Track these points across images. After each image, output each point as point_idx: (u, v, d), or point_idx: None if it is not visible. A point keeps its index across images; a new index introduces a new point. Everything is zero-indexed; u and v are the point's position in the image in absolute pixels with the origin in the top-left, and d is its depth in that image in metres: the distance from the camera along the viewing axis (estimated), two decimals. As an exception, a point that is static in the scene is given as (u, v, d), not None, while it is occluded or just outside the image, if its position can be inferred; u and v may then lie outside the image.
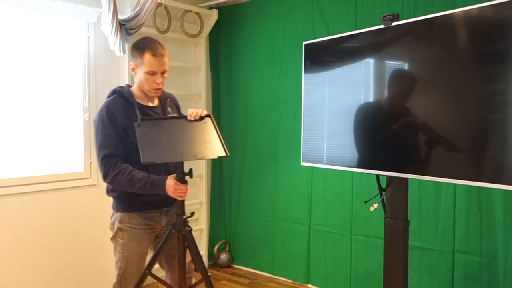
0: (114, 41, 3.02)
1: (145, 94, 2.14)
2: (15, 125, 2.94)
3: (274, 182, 3.78)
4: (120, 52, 3.06)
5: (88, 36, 3.28)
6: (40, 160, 3.05)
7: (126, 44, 3.13)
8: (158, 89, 2.10)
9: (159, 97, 2.21)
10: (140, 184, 1.99)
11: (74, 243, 3.20)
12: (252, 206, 3.95)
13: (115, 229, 2.15)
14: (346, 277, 3.33)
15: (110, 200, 3.40)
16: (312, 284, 3.56)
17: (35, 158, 3.03)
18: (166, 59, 2.07)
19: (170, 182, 1.98)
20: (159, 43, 2.09)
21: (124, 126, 2.05)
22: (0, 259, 2.83)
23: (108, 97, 2.15)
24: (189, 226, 2.02)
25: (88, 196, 3.28)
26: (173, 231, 2.01)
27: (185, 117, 2.07)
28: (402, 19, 2.09)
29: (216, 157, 1.90)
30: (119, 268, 2.14)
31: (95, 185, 3.32)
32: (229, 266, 4.08)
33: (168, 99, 2.24)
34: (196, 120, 2.04)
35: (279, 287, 3.63)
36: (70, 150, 3.23)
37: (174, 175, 1.98)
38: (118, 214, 2.14)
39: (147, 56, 2.03)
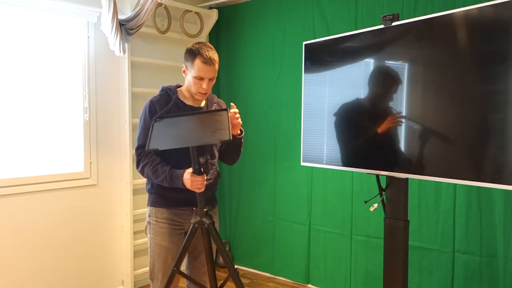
0: (114, 41, 3.02)
1: (192, 95, 2.20)
2: (15, 125, 2.93)
3: (274, 182, 3.78)
4: (120, 52, 3.06)
5: (88, 36, 3.28)
6: (40, 160, 3.05)
7: (126, 44, 3.14)
8: (204, 93, 2.16)
9: (206, 100, 2.26)
10: (162, 177, 2.07)
11: (74, 243, 3.20)
12: (252, 206, 3.95)
13: (146, 223, 2.25)
14: (346, 277, 3.33)
15: (109, 200, 3.42)
16: (312, 284, 3.56)
17: (35, 158, 3.03)
18: (216, 66, 2.13)
19: (187, 175, 2.01)
20: (212, 49, 2.13)
21: None
22: (0, 259, 2.83)
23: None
24: (211, 219, 2.02)
25: (88, 196, 3.28)
26: (196, 225, 2.01)
27: (208, 111, 2.07)
28: (402, 19, 2.09)
29: (218, 142, 1.89)
30: (150, 262, 2.22)
31: (95, 185, 3.32)
32: (229, 266, 4.07)
33: (215, 103, 2.29)
34: (214, 110, 2.05)
35: (279, 287, 3.63)
36: (70, 150, 3.23)
37: (191, 168, 2.00)
38: (148, 208, 2.24)
39: (198, 62, 2.08)
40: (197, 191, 1.99)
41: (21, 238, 2.92)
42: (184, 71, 2.18)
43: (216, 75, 2.16)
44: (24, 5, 2.88)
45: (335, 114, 2.34)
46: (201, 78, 2.10)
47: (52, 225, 3.08)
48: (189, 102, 2.20)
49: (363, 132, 2.28)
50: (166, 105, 2.14)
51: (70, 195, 3.17)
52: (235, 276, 2.01)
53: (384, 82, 2.15)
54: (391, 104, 2.16)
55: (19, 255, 2.91)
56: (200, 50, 2.09)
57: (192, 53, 2.11)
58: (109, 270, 3.42)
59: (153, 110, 2.13)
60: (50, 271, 3.07)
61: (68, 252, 3.17)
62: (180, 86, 2.24)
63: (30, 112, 3.01)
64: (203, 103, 2.25)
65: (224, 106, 2.35)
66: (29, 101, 3.00)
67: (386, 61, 2.17)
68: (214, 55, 2.12)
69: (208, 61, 2.08)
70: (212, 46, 2.16)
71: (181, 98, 2.19)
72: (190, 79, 2.13)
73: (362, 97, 2.26)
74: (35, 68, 3.02)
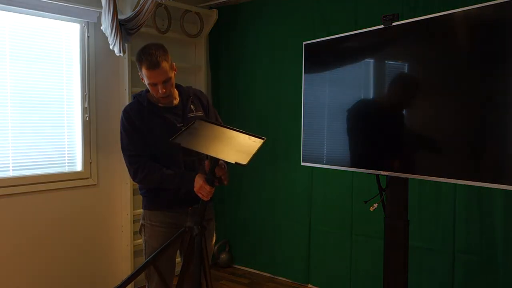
0: (114, 41, 3.02)
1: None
2: (15, 124, 2.93)
3: (274, 182, 3.78)
4: (120, 52, 3.06)
5: (88, 36, 3.28)
6: (40, 160, 3.05)
7: (126, 44, 3.13)
8: (165, 97, 2.10)
9: (180, 96, 2.21)
10: (170, 178, 2.05)
11: (74, 243, 3.20)
12: (252, 206, 3.95)
13: (140, 225, 2.25)
14: (346, 277, 3.33)
15: (109, 200, 3.42)
16: (312, 284, 3.56)
17: (35, 158, 3.03)
18: (164, 68, 2.01)
19: (199, 179, 2.00)
20: (155, 50, 2.02)
21: (140, 127, 2.10)
22: (0, 259, 2.83)
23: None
24: (200, 231, 1.97)
25: (88, 196, 3.28)
26: (186, 228, 1.99)
27: (249, 134, 1.98)
28: (402, 19, 2.09)
29: (233, 162, 1.80)
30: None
31: (95, 185, 3.32)
32: (229, 266, 4.08)
33: (191, 96, 2.23)
34: (250, 135, 1.98)
35: (279, 287, 3.63)
36: (70, 150, 3.23)
37: (205, 175, 1.99)
38: (142, 211, 2.24)
39: (144, 70, 2.03)
40: (201, 197, 1.98)
41: (21, 238, 2.92)
42: (142, 79, 2.13)
43: (169, 75, 2.04)
44: (24, 5, 2.87)
45: (347, 110, 2.32)
46: (154, 84, 2.04)
47: (52, 225, 3.08)
48: (162, 104, 2.15)
49: (364, 132, 2.27)
50: (139, 112, 2.11)
51: (70, 195, 3.17)
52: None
53: (407, 89, 2.10)
54: (392, 104, 2.16)
55: (19, 255, 2.91)
56: (143, 56, 2.02)
57: (138, 61, 2.06)
58: (109, 270, 3.42)
59: (129, 119, 2.10)
60: (50, 271, 3.07)
61: (68, 252, 3.17)
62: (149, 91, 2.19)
63: (30, 112, 3.00)
64: (176, 101, 2.19)
65: (202, 97, 2.30)
66: (29, 101, 3.00)
67: (386, 61, 2.17)
68: (159, 57, 2.00)
69: (152, 66, 1.99)
70: (158, 46, 2.05)
71: (153, 102, 2.15)
72: (148, 86, 2.09)
73: (371, 97, 2.25)
74: (35, 68, 3.02)
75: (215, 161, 1.93)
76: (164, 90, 2.04)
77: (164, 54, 2.04)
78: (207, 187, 1.96)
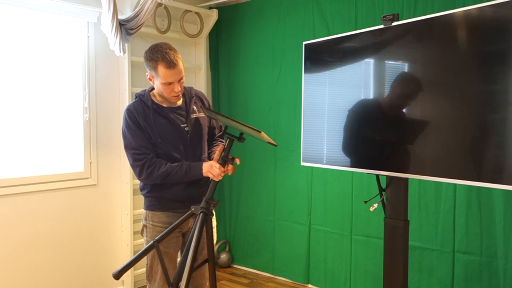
0: (114, 41, 3.02)
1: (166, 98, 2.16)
2: (15, 125, 2.94)
3: (274, 182, 3.78)
4: (120, 52, 3.06)
5: (88, 36, 3.28)
6: (40, 160, 3.05)
7: (126, 44, 3.14)
8: (178, 95, 2.11)
9: (184, 96, 2.22)
10: (177, 168, 2.07)
11: (74, 243, 3.20)
12: (252, 206, 3.95)
13: (141, 226, 2.25)
14: (346, 277, 3.33)
15: (109, 200, 3.42)
16: (312, 284, 3.56)
17: (35, 158, 3.03)
18: (180, 66, 2.05)
19: (208, 162, 2.06)
20: (170, 50, 2.04)
21: (144, 126, 2.10)
22: (0, 259, 2.83)
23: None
24: (203, 211, 1.97)
25: (88, 196, 3.28)
26: (192, 208, 1.99)
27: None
28: (402, 19, 2.09)
29: (261, 132, 1.93)
30: (146, 265, 2.21)
31: (95, 185, 3.32)
32: (229, 266, 4.08)
33: (194, 97, 2.25)
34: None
35: (279, 287, 3.63)
36: (70, 150, 3.23)
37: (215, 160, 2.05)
38: (144, 212, 2.24)
39: (161, 69, 2.01)
40: (211, 177, 2.01)
41: (21, 238, 2.92)
42: (150, 79, 2.11)
43: (183, 74, 2.08)
44: (24, 5, 2.88)
45: (348, 110, 2.32)
46: (170, 83, 2.04)
47: (52, 225, 3.08)
48: (166, 104, 2.15)
49: (363, 132, 2.28)
50: (143, 112, 2.10)
51: (70, 195, 3.17)
52: (212, 265, 1.99)
53: (407, 89, 2.09)
54: (392, 104, 2.16)
55: (19, 255, 2.91)
56: (159, 55, 2.01)
57: (152, 60, 2.03)
58: (109, 270, 3.42)
59: (132, 118, 2.09)
60: (50, 271, 3.07)
61: (68, 252, 3.17)
62: (153, 89, 2.18)
63: (30, 112, 3.01)
64: (180, 101, 2.20)
65: (203, 98, 2.32)
66: (29, 101, 3.00)
67: (386, 61, 2.17)
68: (175, 55, 2.03)
69: (171, 65, 2.00)
70: (170, 45, 2.07)
71: (157, 102, 2.14)
72: (160, 86, 2.07)
73: (371, 97, 2.25)
74: (35, 68, 3.02)
75: (231, 142, 2.01)
76: (180, 89, 2.07)
77: (178, 53, 2.08)
78: (217, 165, 2.00)
